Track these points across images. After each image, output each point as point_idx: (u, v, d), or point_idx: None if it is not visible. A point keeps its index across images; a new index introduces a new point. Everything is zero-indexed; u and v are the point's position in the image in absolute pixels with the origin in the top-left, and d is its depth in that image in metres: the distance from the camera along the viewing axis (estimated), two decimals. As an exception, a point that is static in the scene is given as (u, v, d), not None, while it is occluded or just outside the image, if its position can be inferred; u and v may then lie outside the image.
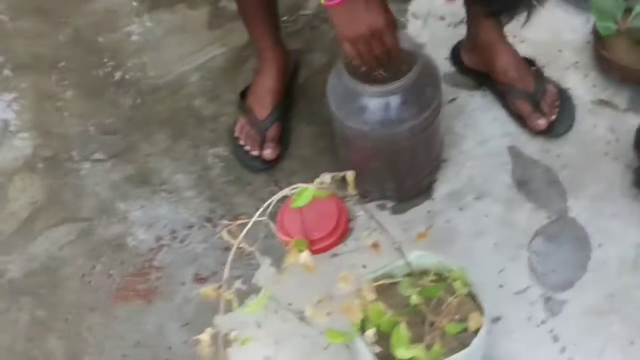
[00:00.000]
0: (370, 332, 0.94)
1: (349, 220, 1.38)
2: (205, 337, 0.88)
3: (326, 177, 0.88)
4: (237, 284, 1.31)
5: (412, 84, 1.21)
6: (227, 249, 1.37)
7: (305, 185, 0.88)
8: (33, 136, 1.58)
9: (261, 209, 0.93)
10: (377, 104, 1.22)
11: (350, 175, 0.89)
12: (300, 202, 0.87)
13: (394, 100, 1.22)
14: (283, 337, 1.27)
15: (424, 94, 1.24)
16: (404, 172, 1.35)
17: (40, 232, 1.45)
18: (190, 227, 1.42)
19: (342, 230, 1.37)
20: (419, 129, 1.25)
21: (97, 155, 1.54)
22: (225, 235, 0.93)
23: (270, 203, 0.92)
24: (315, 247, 1.33)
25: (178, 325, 1.31)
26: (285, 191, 0.91)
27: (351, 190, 0.90)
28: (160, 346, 1.29)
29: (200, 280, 1.36)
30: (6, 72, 1.70)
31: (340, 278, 0.90)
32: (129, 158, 1.53)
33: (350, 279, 0.89)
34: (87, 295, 1.36)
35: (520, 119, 1.45)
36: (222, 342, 0.94)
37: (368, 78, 1.22)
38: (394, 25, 1.16)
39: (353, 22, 1.12)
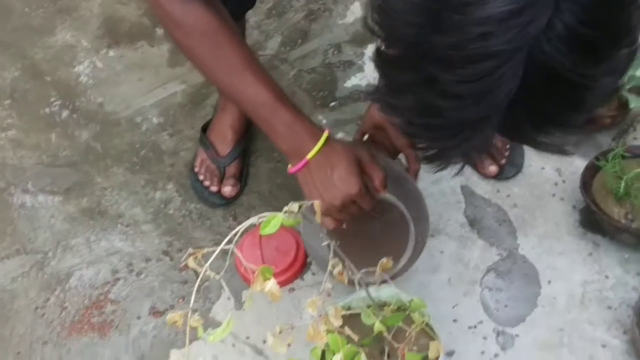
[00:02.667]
0: (337, 358, 0.95)
1: (307, 254, 1.40)
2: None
3: (294, 206, 0.90)
4: (195, 317, 1.30)
5: None
6: (185, 282, 1.39)
7: (273, 213, 0.90)
8: (-15, 168, 1.57)
9: (228, 237, 0.93)
10: None
11: (317, 204, 0.92)
12: (269, 229, 0.89)
13: None
14: (240, 371, 1.27)
15: None
16: None
17: (-8, 263, 1.42)
18: (148, 260, 1.42)
19: (300, 265, 1.38)
20: None
21: (52, 188, 1.53)
22: (191, 262, 0.93)
23: (238, 231, 0.93)
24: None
25: (133, 359, 1.29)
26: (253, 219, 0.93)
27: (317, 219, 0.92)
28: (115, 380, 1.27)
29: (156, 314, 1.35)
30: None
31: (308, 304, 0.91)
32: (85, 191, 1.52)
33: (318, 305, 0.90)
34: (40, 328, 1.33)
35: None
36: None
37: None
38: (365, 191, 1.09)
39: (322, 190, 1.06)
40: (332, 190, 1.07)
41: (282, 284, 1.36)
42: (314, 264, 1.36)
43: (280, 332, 1.00)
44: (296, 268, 1.38)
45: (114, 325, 1.33)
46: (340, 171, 1.06)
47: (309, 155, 1.06)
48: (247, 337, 1.30)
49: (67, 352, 1.30)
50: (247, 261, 1.33)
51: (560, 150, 0.79)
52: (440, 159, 0.78)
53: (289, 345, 1.00)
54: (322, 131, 1.08)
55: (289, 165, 1.10)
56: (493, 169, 1.46)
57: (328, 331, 0.94)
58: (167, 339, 1.32)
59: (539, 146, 0.77)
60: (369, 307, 1.07)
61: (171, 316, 0.88)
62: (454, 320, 1.30)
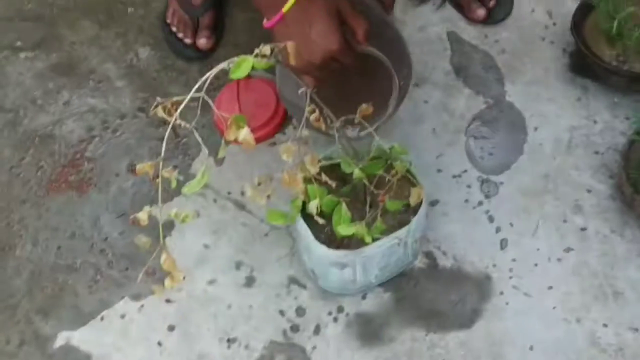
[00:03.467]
0: (313, 204, 0.93)
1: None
2: (142, 215, 0.85)
3: (266, 49, 0.85)
4: (174, 174, 1.28)
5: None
6: (162, 139, 1.32)
7: (244, 56, 0.85)
8: (-54, 24, 1.48)
9: (197, 84, 0.88)
10: None
11: (291, 45, 0.86)
12: (239, 73, 0.83)
13: None
14: (222, 226, 1.26)
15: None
16: None
17: (-38, 124, 1.38)
18: (123, 117, 1.37)
19: (280, 118, 1.34)
20: None
21: (19, 44, 1.46)
22: (159, 111, 0.89)
23: (208, 77, 0.88)
24: (254, 136, 1.30)
25: (114, 216, 1.28)
26: (223, 64, 0.87)
27: (292, 61, 0.87)
28: (97, 237, 1.26)
29: (134, 170, 1.32)
30: None
31: (283, 150, 0.87)
32: (54, 47, 1.45)
33: (293, 151, 0.87)
34: (16, 188, 1.31)
35: (459, 8, 1.43)
36: (160, 227, 0.91)
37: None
38: (346, 46, 1.00)
39: (300, 47, 0.93)
40: (311, 47, 0.97)
41: (262, 137, 1.33)
42: (289, 112, 1.31)
43: (259, 184, 0.98)
44: (276, 121, 1.34)
45: (92, 184, 1.31)
46: (319, 26, 0.97)
47: (285, 8, 0.95)
48: (229, 193, 1.28)
49: (47, 211, 1.28)
50: (226, 115, 1.31)
51: None
52: None
53: (268, 197, 0.98)
54: None
55: (264, 20, 0.99)
56: (481, 12, 1.40)
57: (304, 179, 0.91)
58: (148, 195, 1.30)
59: None
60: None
61: (141, 166, 0.84)
62: (438, 170, 1.28)
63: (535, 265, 1.19)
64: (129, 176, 1.31)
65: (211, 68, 1.38)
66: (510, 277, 1.18)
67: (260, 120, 1.32)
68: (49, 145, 1.35)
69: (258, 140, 1.32)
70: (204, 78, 0.88)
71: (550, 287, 1.17)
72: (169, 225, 1.23)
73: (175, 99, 0.90)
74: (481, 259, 1.20)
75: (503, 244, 1.21)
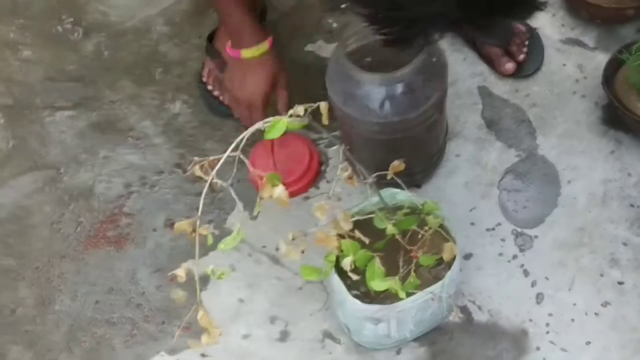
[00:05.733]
0: (347, 261, 0.94)
1: (320, 162, 1.37)
2: (180, 272, 0.87)
3: (299, 109, 0.87)
4: (210, 228, 1.30)
5: (415, 74, 1.12)
6: (199, 194, 1.35)
7: (278, 117, 0.87)
8: (-7, 84, 1.54)
9: (234, 144, 0.91)
10: (378, 95, 1.14)
11: (323, 105, 0.88)
12: (274, 133, 0.86)
13: (396, 91, 1.13)
14: (257, 280, 1.27)
15: (427, 85, 1.15)
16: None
17: (6, 181, 1.41)
18: (160, 173, 1.40)
19: (314, 173, 1.36)
20: (418, 121, 1.17)
21: (61, 103, 1.51)
22: (197, 171, 0.91)
23: (243, 137, 0.91)
24: (288, 190, 1.32)
25: (150, 270, 1.30)
26: (258, 125, 0.90)
27: (325, 121, 0.89)
28: (134, 292, 1.28)
29: (172, 226, 1.33)
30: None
31: (316, 208, 0.89)
32: (94, 105, 1.50)
33: (326, 209, 0.88)
34: (56, 243, 1.34)
35: (489, 62, 1.45)
36: (196, 282, 0.93)
37: (369, 65, 1.14)
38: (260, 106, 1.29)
39: (235, 82, 1.30)
40: (242, 86, 1.28)
41: (296, 192, 1.35)
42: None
43: (293, 239, 0.99)
44: (310, 176, 1.36)
45: (129, 238, 1.33)
46: (257, 76, 1.27)
47: (244, 55, 1.25)
48: (263, 247, 1.30)
49: (85, 265, 1.31)
50: (260, 170, 1.34)
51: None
52: (402, 43, 0.83)
53: (302, 252, 0.99)
54: (266, 37, 1.26)
55: (228, 43, 1.27)
56: (510, 66, 1.41)
57: (338, 235, 0.92)
58: (184, 250, 1.31)
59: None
60: (381, 211, 1.05)
61: (179, 224, 0.87)
62: (472, 224, 1.28)
63: (572, 320, 1.17)
64: (166, 231, 1.34)
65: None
66: (547, 332, 1.16)
67: (294, 175, 1.34)
68: (88, 201, 1.38)
69: (292, 195, 1.33)
70: (239, 138, 0.91)
71: (588, 343, 1.15)
72: (205, 279, 1.23)
73: (212, 158, 0.93)
74: (517, 313, 1.19)
75: (539, 298, 1.20)
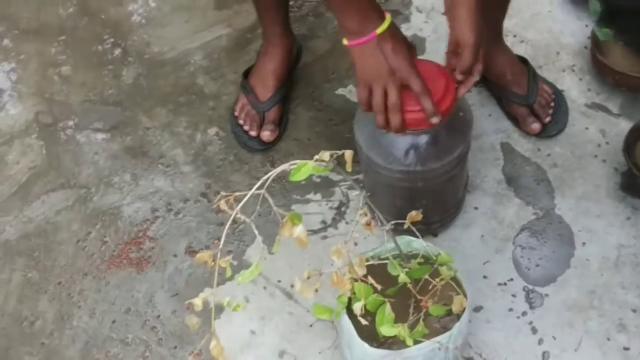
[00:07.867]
0: (358, 305, 0.97)
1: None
2: (197, 301, 0.91)
3: (325, 155, 0.91)
4: (229, 261, 1.33)
5: (442, 126, 1.13)
6: (221, 224, 1.42)
7: (304, 161, 0.91)
8: (34, 102, 1.61)
9: (258, 183, 0.95)
10: (403, 143, 1.17)
11: (348, 154, 0.92)
12: (299, 177, 0.90)
13: (421, 141, 1.16)
14: (270, 313, 1.30)
15: (452, 137, 1.18)
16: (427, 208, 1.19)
17: (38, 196, 1.47)
18: (186, 201, 1.45)
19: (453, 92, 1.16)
20: (440, 172, 1.20)
21: (97, 125, 1.57)
22: (222, 205, 0.95)
23: (268, 178, 0.94)
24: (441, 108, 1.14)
25: (168, 295, 1.34)
26: (284, 166, 0.94)
27: (348, 168, 0.93)
28: (150, 314, 1.31)
29: (192, 253, 1.39)
30: (7, 40, 1.72)
31: (333, 252, 0.93)
32: (129, 130, 1.55)
33: (342, 253, 0.91)
34: (80, 260, 1.38)
35: (515, 120, 1.48)
36: (212, 311, 0.96)
37: None
38: (418, 73, 1.10)
39: (375, 64, 1.08)
40: (384, 63, 1.08)
41: (447, 111, 1.15)
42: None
43: (308, 278, 1.02)
44: (451, 95, 1.15)
45: (151, 262, 1.38)
46: (403, 53, 1.09)
47: (379, 31, 1.08)
48: (279, 281, 1.33)
49: (106, 285, 1.35)
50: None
51: None
52: None
53: (316, 290, 1.02)
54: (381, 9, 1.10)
55: (344, 40, 1.11)
56: (536, 126, 1.44)
57: (352, 279, 0.95)
58: (201, 278, 1.35)
59: None
60: (396, 258, 1.08)
61: (201, 255, 0.91)
62: (484, 277, 1.31)
63: (576, 381, 1.19)
64: (186, 257, 1.38)
65: (272, 159, 1.49)
66: (550, 391, 1.18)
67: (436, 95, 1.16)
68: (115, 222, 1.43)
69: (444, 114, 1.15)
70: (265, 177, 0.95)
71: (590, 405, 1.16)
72: (219, 308, 1.28)
73: (237, 194, 0.97)
74: (522, 369, 1.20)
75: (545, 356, 1.22)
